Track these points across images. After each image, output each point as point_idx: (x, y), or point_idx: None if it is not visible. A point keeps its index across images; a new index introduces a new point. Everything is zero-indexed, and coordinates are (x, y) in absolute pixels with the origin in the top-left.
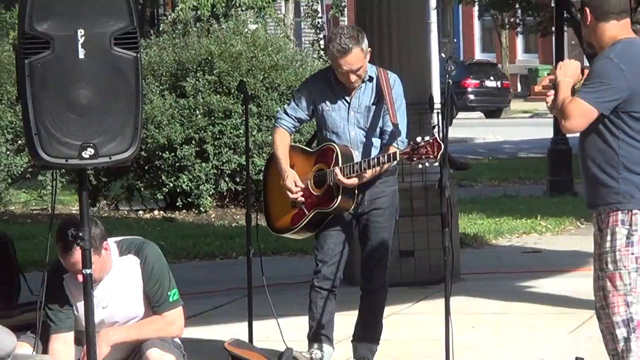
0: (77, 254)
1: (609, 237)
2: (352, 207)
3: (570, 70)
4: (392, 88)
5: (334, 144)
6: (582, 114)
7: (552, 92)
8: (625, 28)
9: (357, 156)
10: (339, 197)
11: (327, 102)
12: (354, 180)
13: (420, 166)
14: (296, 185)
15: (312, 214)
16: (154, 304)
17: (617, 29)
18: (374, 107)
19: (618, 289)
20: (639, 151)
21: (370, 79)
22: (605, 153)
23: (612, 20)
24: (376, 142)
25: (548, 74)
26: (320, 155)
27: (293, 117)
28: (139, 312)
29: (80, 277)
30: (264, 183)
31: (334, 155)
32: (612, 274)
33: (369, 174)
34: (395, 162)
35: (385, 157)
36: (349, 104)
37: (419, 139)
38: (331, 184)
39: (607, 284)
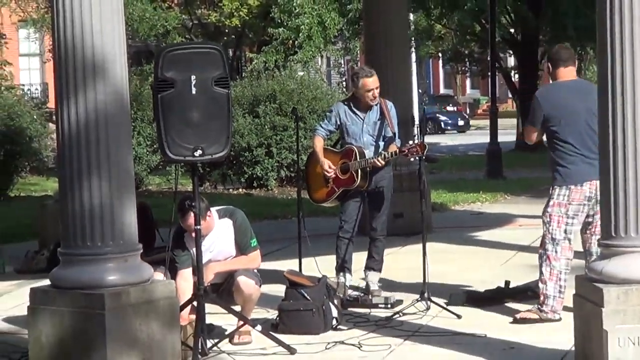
0: (190, 218)
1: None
2: (366, 185)
3: None
4: (389, 110)
5: (353, 146)
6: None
7: None
8: (569, 73)
9: (368, 153)
10: (359, 180)
11: (348, 119)
12: (378, 163)
13: (412, 159)
14: (330, 167)
15: (340, 191)
16: (242, 248)
17: (562, 73)
18: (378, 122)
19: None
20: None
21: (376, 104)
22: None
23: (560, 67)
24: (380, 144)
25: (486, 102)
26: (344, 153)
27: (326, 129)
28: (232, 253)
29: (193, 234)
30: (306, 171)
31: (354, 153)
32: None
33: (381, 162)
34: (396, 156)
35: (391, 153)
36: (363, 120)
37: (411, 142)
38: (352, 171)
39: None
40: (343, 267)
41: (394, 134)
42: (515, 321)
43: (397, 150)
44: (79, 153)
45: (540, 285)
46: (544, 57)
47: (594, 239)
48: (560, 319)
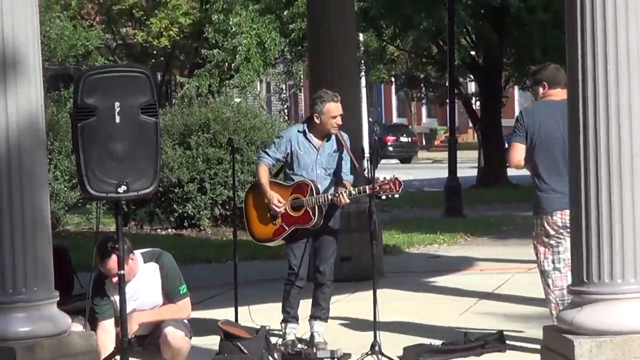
0: (111, 262)
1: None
2: (320, 224)
3: None
4: (346, 142)
5: (306, 179)
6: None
7: None
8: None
9: (319, 189)
10: (316, 218)
11: (301, 148)
12: (343, 201)
13: (384, 198)
14: (279, 202)
15: (291, 229)
16: (169, 295)
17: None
18: (334, 154)
19: None
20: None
21: (334, 134)
22: None
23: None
24: (331, 179)
25: (443, 132)
26: (297, 187)
27: (273, 157)
28: (159, 301)
29: (114, 279)
30: (245, 205)
31: (309, 188)
32: None
33: (345, 200)
34: (364, 194)
35: (359, 189)
36: (317, 150)
37: (382, 178)
38: (308, 208)
39: None
40: (295, 317)
41: (355, 168)
42: None
43: (366, 187)
44: None
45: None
46: (508, 82)
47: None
48: None
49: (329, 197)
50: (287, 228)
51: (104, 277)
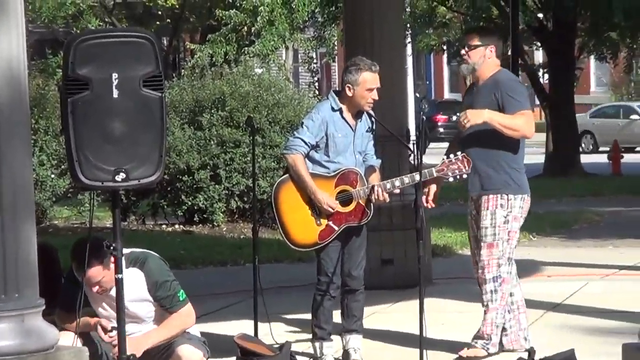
0: (91, 271)
1: (489, 217)
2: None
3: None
4: (374, 121)
5: (350, 167)
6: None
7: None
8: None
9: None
10: (372, 212)
11: (338, 129)
12: (396, 191)
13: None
14: (333, 202)
15: (342, 229)
16: (168, 307)
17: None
18: (367, 134)
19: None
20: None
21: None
22: (495, 155)
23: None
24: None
25: None
26: (342, 177)
27: (309, 145)
28: (152, 309)
29: (94, 289)
30: (277, 205)
31: (358, 177)
32: (490, 244)
33: (385, 199)
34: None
35: (426, 172)
36: (354, 132)
37: (451, 157)
38: (359, 201)
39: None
40: (327, 332)
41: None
42: None
43: (433, 170)
44: None
45: (488, 315)
46: (582, 51)
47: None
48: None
49: (385, 186)
50: (336, 228)
51: (78, 283)
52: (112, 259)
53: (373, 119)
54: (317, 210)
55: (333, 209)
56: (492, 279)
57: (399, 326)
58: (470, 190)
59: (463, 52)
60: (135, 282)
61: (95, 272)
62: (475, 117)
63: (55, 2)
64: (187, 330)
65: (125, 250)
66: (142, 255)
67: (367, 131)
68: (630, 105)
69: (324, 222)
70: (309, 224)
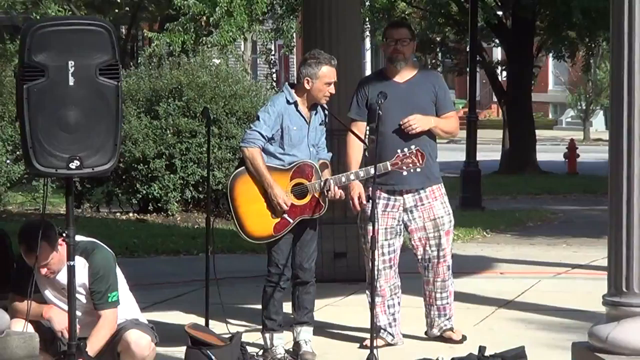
0: (39, 252)
1: (442, 206)
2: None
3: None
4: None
5: (307, 160)
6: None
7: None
8: None
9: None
10: (326, 205)
11: (293, 122)
12: (342, 192)
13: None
14: (287, 199)
15: (296, 222)
16: (95, 301)
17: None
18: (320, 127)
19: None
20: None
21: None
22: (434, 146)
23: None
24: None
25: (462, 107)
26: (297, 170)
27: (266, 138)
28: (84, 301)
29: (42, 271)
30: (232, 197)
31: (313, 170)
32: (448, 231)
33: (338, 195)
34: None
35: (373, 169)
36: (308, 124)
37: (405, 150)
38: (315, 194)
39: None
40: (277, 324)
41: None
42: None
43: (387, 164)
44: None
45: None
46: (541, 49)
47: None
48: None
49: (339, 179)
50: (291, 220)
51: (28, 269)
52: (62, 242)
53: (326, 112)
54: (273, 204)
55: (287, 206)
56: (448, 266)
57: (351, 319)
58: (411, 184)
59: (399, 46)
60: (78, 270)
61: (44, 254)
62: (424, 124)
63: None
64: (136, 317)
65: (77, 238)
66: (90, 245)
67: (320, 124)
68: None
69: (279, 214)
70: (264, 216)
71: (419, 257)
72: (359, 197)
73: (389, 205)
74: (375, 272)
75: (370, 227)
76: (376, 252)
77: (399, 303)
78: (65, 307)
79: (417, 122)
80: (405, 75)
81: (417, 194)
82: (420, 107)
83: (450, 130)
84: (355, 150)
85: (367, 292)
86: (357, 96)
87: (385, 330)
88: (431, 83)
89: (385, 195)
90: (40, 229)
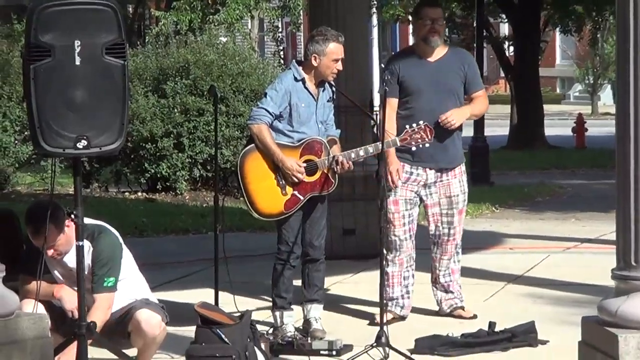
0: (47, 233)
1: (460, 184)
2: None
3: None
4: (335, 90)
5: (316, 137)
6: None
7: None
8: None
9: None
10: (337, 181)
11: (301, 99)
12: (350, 163)
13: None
14: (300, 168)
15: (307, 198)
16: (93, 284)
17: None
18: (328, 104)
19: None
20: None
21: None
22: (460, 126)
23: None
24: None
25: None
26: (307, 147)
27: (274, 115)
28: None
29: (49, 252)
30: (242, 175)
31: (322, 147)
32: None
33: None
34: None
35: (384, 144)
36: (316, 101)
37: (414, 126)
38: (324, 171)
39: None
40: (287, 302)
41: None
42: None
43: (397, 139)
44: None
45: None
46: (548, 24)
47: None
48: None
49: (349, 155)
50: (301, 197)
51: (37, 252)
52: (69, 223)
53: (334, 89)
54: (283, 180)
55: (302, 175)
56: (457, 245)
57: (361, 296)
58: (439, 163)
59: (436, 26)
60: (85, 252)
61: (52, 236)
62: (461, 117)
63: None
64: (146, 297)
65: (85, 221)
66: (97, 228)
67: (328, 101)
68: None
69: (289, 191)
70: (274, 193)
71: (431, 232)
72: (397, 172)
73: (410, 179)
74: (391, 245)
75: (392, 199)
76: (396, 222)
77: (413, 275)
78: (75, 288)
79: (455, 118)
80: (437, 54)
81: (439, 172)
82: (450, 88)
83: (482, 112)
84: (391, 124)
85: (387, 257)
86: (388, 74)
87: (396, 300)
88: (461, 62)
89: (408, 169)
90: (47, 210)
